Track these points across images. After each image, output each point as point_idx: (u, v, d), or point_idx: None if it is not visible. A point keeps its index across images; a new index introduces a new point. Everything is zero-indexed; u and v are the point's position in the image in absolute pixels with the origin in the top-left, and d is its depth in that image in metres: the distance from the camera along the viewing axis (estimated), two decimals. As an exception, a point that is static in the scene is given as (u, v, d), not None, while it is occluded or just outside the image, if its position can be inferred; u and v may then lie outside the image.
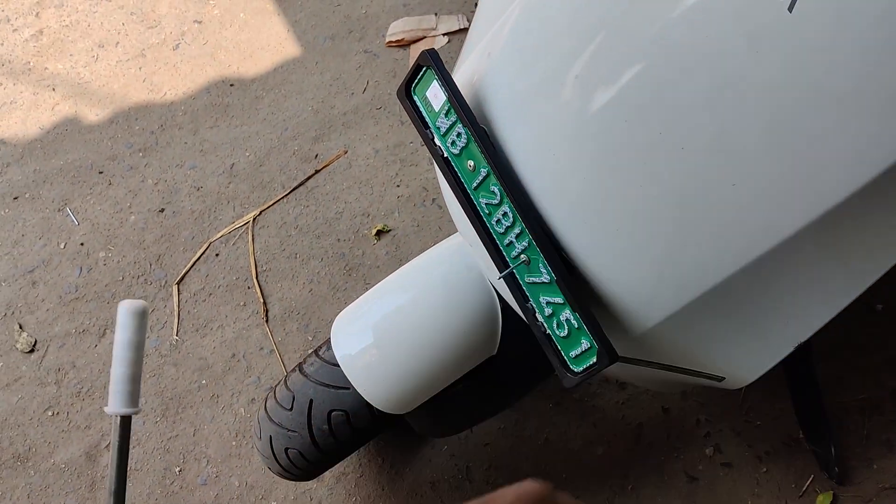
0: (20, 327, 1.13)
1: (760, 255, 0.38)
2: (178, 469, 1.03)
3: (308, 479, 0.84)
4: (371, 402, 0.65)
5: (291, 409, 0.69)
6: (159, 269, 1.14)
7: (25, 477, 1.04)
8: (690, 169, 0.37)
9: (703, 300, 0.42)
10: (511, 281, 0.51)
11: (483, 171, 0.49)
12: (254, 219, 1.15)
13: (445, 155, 0.51)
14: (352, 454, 0.94)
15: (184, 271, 1.13)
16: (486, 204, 0.51)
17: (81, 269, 1.16)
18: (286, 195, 1.15)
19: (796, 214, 0.36)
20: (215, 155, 1.21)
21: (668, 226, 0.41)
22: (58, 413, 1.08)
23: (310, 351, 0.87)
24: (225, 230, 1.15)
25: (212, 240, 1.15)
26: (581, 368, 0.48)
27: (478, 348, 0.62)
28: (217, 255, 1.14)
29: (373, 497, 0.97)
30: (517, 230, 0.48)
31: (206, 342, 1.09)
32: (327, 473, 1.00)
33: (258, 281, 1.11)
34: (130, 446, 1.04)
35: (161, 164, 1.22)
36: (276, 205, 1.16)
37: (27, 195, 1.23)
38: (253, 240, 1.14)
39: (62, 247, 1.18)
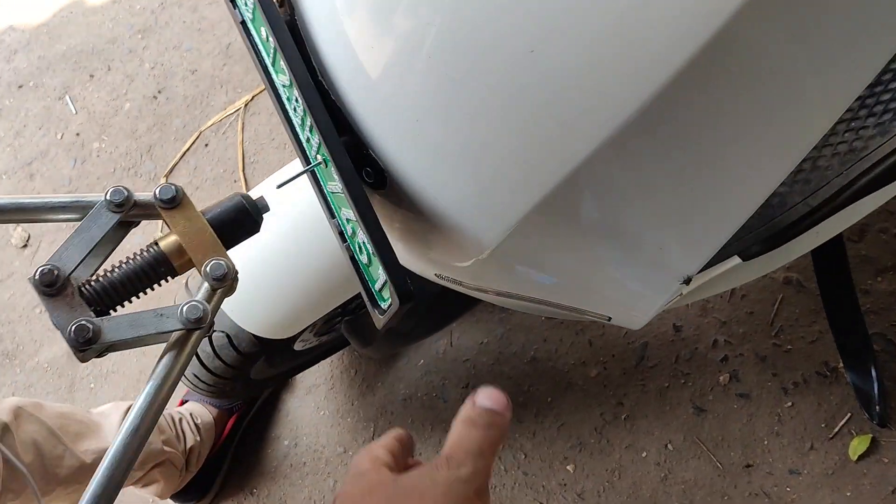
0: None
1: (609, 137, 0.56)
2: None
3: (229, 398, 1.39)
4: (241, 325, 1.05)
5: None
6: (149, 161, 1.83)
7: (12, 374, 1.78)
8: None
9: (554, 206, 0.59)
10: (318, 189, 0.69)
11: (272, 40, 0.64)
12: (245, 105, 1.78)
13: (242, 19, 0.70)
14: (293, 374, 1.50)
15: (172, 163, 1.80)
16: (282, 85, 0.68)
17: (76, 160, 1.89)
18: (282, 79, 1.77)
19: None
20: (212, 34, 1.86)
21: (490, 109, 0.59)
22: (44, 311, 1.81)
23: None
24: (216, 118, 1.80)
25: (202, 129, 1.80)
26: (386, 305, 0.62)
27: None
28: (206, 145, 1.79)
29: (342, 411, 1.52)
30: (310, 121, 0.63)
31: (188, 240, 1.74)
32: (298, 384, 1.57)
33: (244, 174, 1.73)
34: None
35: (159, 46, 1.91)
36: (273, 91, 1.78)
37: (31, 83, 2.01)
38: (243, 129, 1.76)
39: (59, 137, 1.93)
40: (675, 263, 0.65)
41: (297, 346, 1.25)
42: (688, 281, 0.65)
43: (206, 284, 0.57)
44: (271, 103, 0.77)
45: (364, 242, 0.63)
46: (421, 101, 0.63)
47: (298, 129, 0.73)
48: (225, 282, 0.57)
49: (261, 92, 1.78)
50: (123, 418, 1.30)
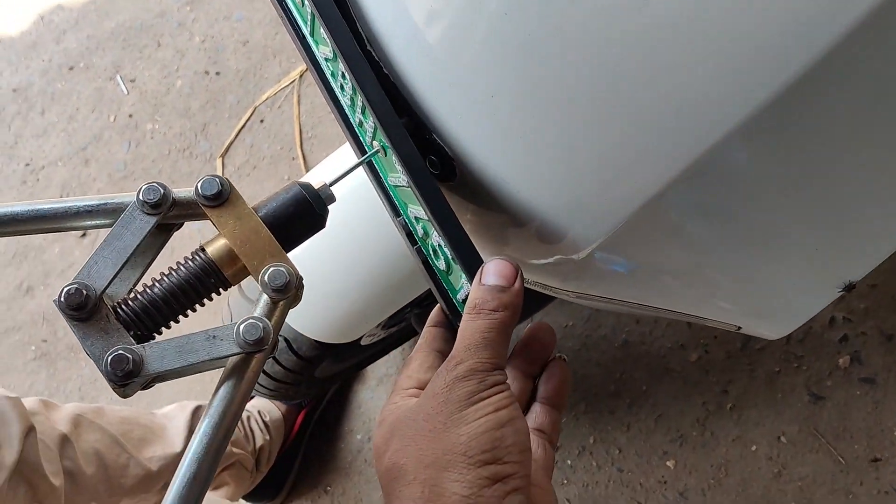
0: (74, 209, 1.83)
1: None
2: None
3: (296, 399, 1.30)
4: (299, 331, 0.96)
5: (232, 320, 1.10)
6: (204, 141, 1.73)
7: (77, 368, 1.73)
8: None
9: (676, 200, 0.47)
10: (376, 182, 0.60)
11: (308, 5, 0.55)
12: (300, 75, 1.66)
13: None
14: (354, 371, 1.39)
15: (228, 142, 1.70)
16: (324, 59, 0.59)
17: (130, 143, 1.81)
18: (338, 45, 1.64)
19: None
20: (262, 1, 1.75)
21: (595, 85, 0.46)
22: (107, 301, 1.75)
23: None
24: (271, 91, 1.69)
25: (257, 104, 1.69)
26: None
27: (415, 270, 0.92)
28: (262, 121, 1.68)
29: (416, 403, 1.41)
30: (361, 100, 0.53)
31: (248, 223, 1.65)
32: (369, 375, 1.47)
33: (302, 150, 1.62)
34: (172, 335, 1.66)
35: (208, 17, 1.81)
36: (329, 60, 1.66)
37: (81, 64, 1.93)
38: (299, 101, 1.65)
39: (112, 120, 1.85)
40: (835, 267, 0.51)
41: (365, 342, 1.14)
42: (850, 288, 0.51)
43: (264, 297, 0.47)
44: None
45: (440, 246, 0.53)
46: (497, 72, 0.49)
47: (348, 112, 0.62)
48: (287, 292, 0.47)
49: (316, 61, 1.66)
50: (190, 420, 1.23)
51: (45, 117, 1.91)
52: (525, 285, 0.66)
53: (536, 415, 0.54)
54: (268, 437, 1.36)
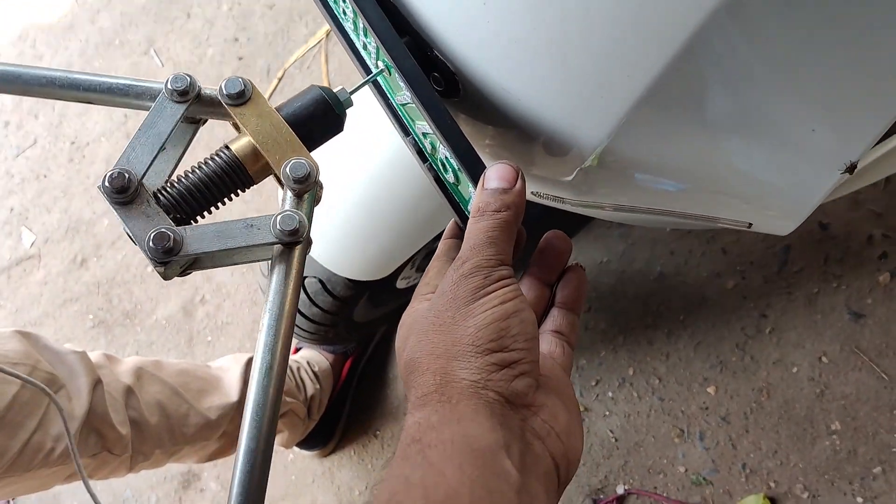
0: (120, 182, 1.88)
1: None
2: (265, 322, 1.65)
3: (339, 343, 1.30)
4: (329, 268, 0.96)
5: (268, 276, 1.10)
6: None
7: (133, 333, 1.78)
8: None
9: (667, 92, 0.47)
10: (385, 103, 0.59)
11: None
12: (327, 34, 1.67)
13: None
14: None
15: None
16: None
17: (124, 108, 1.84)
18: (361, 1, 1.64)
19: None
20: (286, -36, 1.76)
21: None
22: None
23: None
24: (299, 52, 1.70)
25: (286, 66, 1.71)
26: None
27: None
28: (292, 82, 1.70)
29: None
30: (362, 21, 0.54)
31: (286, 183, 1.67)
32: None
33: (334, 107, 1.64)
34: (222, 299, 1.69)
35: (234, -17, 1.82)
36: (354, 16, 1.67)
37: (117, 41, 1.96)
38: (326, 60, 1.66)
39: (150, 93, 1.89)
40: (833, 148, 0.50)
41: (400, 284, 1.16)
42: (851, 169, 0.49)
43: (289, 193, 0.48)
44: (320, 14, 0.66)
45: (447, 157, 0.54)
46: (487, -24, 0.49)
47: (353, 36, 0.62)
48: (308, 183, 0.48)
49: (341, 18, 1.67)
50: (244, 370, 1.26)
51: (86, 95, 1.95)
52: (543, 201, 0.67)
53: (554, 318, 0.55)
54: (318, 386, 1.38)
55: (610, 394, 1.26)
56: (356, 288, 1.00)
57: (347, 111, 0.55)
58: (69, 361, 1.00)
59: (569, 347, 0.54)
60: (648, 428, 1.23)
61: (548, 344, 0.53)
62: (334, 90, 0.53)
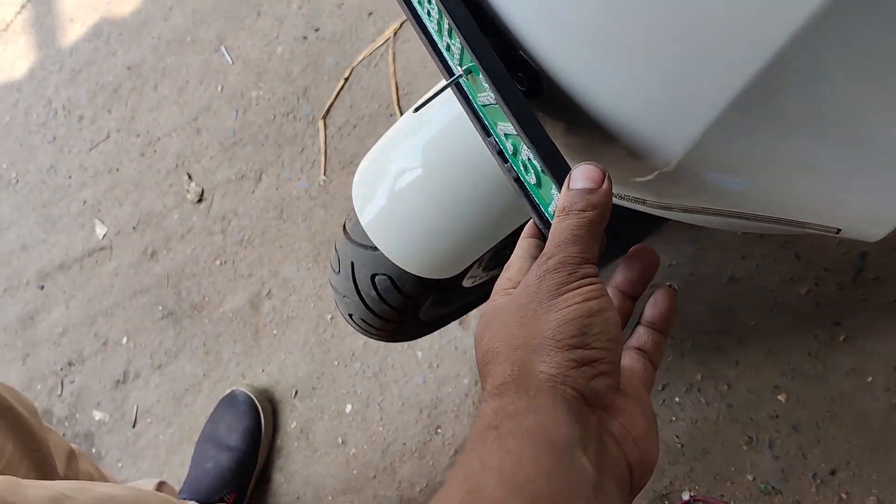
0: (189, 177, 1.91)
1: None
2: (329, 316, 1.66)
3: (402, 340, 1.31)
4: (400, 266, 0.95)
5: (339, 272, 1.06)
6: (306, 104, 1.77)
7: (202, 326, 1.81)
8: None
9: (759, 99, 0.45)
10: (466, 104, 0.59)
11: None
12: (395, 33, 1.67)
13: None
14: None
15: (329, 103, 1.73)
16: None
17: (237, 111, 1.87)
18: None
19: None
20: (355, -37, 1.77)
21: None
22: (225, 262, 1.82)
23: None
24: (367, 51, 1.71)
25: (354, 64, 1.72)
26: None
27: (515, 201, 0.90)
28: (360, 80, 1.70)
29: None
30: (447, 23, 0.54)
31: (351, 181, 1.67)
32: (472, 320, 1.49)
33: (400, 107, 1.64)
34: (288, 294, 1.71)
35: (304, -17, 1.84)
36: (421, 15, 1.66)
37: (188, 39, 1.99)
38: (394, 59, 1.66)
39: (220, 90, 1.91)
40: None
41: (466, 283, 1.15)
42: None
43: None
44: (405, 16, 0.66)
45: (530, 159, 0.53)
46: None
47: (436, 37, 0.62)
48: None
49: (409, 17, 1.67)
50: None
51: (158, 91, 1.99)
52: (622, 203, 0.66)
53: (639, 335, 0.54)
54: None
55: (677, 399, 1.24)
56: (425, 286, 1.00)
57: (423, 109, 0.56)
58: None
59: (651, 366, 0.53)
60: (716, 434, 1.20)
61: (630, 359, 0.52)
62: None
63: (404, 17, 1.66)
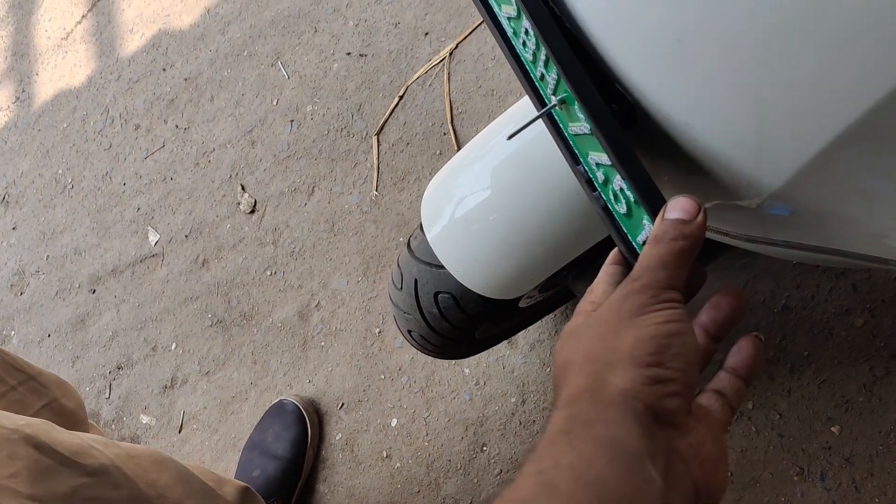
0: (242, 188, 1.94)
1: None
2: (377, 330, 1.67)
3: (454, 358, 1.31)
4: (466, 285, 0.97)
5: (401, 288, 1.08)
6: (360, 120, 1.79)
7: (250, 335, 1.83)
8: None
9: (867, 131, 0.45)
10: (556, 133, 0.60)
11: None
12: (450, 53, 1.69)
13: None
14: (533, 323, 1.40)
15: (383, 120, 1.75)
16: (507, 17, 0.61)
17: (292, 125, 1.90)
18: (483, 22, 1.66)
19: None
20: (413, -17, 1.79)
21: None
22: (275, 273, 1.85)
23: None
24: (422, 70, 1.73)
25: (409, 83, 1.74)
26: None
27: (587, 221, 0.87)
28: (414, 99, 1.72)
29: (569, 368, 1.42)
30: (544, 54, 0.55)
31: (403, 197, 1.69)
32: (520, 340, 1.49)
33: (453, 125, 1.65)
34: (336, 306, 1.73)
35: (361, 1, 1.86)
36: (472, 34, 1.68)
37: (245, 52, 2.03)
38: (448, 79, 1.68)
39: (275, 103, 1.94)
40: None
41: (522, 304, 1.16)
42: None
43: None
44: (483, 47, 0.67)
45: (622, 189, 0.54)
46: (683, 15, 0.49)
47: (530, 68, 0.63)
48: None
49: (465, 39, 1.68)
50: None
51: (214, 103, 2.03)
52: (707, 234, 0.66)
53: (720, 379, 0.54)
54: None
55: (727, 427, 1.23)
56: (487, 306, 1.01)
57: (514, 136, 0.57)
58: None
59: (728, 409, 0.53)
60: (766, 464, 1.20)
61: (707, 399, 0.52)
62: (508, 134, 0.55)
63: (460, 38, 1.68)
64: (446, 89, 1.69)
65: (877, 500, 1.12)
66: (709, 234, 0.65)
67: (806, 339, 1.23)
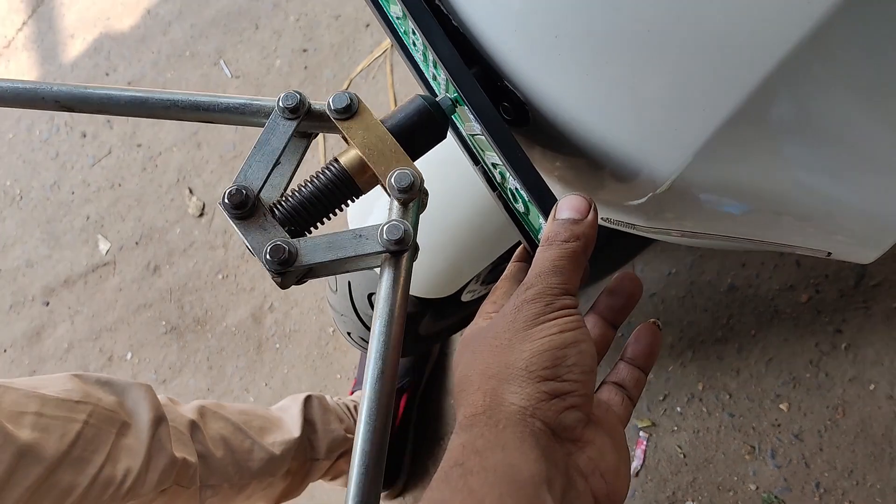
0: (190, 191, 1.91)
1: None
2: (332, 329, 1.66)
3: (403, 357, 1.28)
4: None
5: (336, 290, 1.07)
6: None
7: (204, 340, 1.81)
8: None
9: (750, 120, 0.45)
10: (455, 134, 0.60)
11: None
12: (392, 45, 1.67)
13: None
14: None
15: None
16: (395, 18, 0.60)
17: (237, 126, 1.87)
18: (426, 11, 1.64)
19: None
20: (351, -24, 1.76)
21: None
22: (227, 276, 1.82)
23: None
24: (364, 62, 1.70)
25: (352, 76, 1.71)
26: None
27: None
28: (358, 91, 1.70)
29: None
30: (431, 56, 0.54)
31: (351, 193, 1.68)
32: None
33: (399, 117, 1.64)
34: (289, 307, 1.71)
35: (301, -5, 1.84)
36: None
37: (187, 53, 2.00)
38: (392, 70, 1.66)
39: (219, 103, 1.92)
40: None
41: (465, 297, 1.15)
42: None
43: (395, 203, 0.51)
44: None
45: (517, 189, 0.54)
46: (559, 11, 0.48)
47: (422, 67, 0.61)
48: (412, 192, 0.50)
49: (405, 29, 1.67)
50: (303, 409, 1.26)
51: (159, 106, 2.00)
52: (611, 226, 0.65)
53: (619, 371, 0.54)
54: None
55: (678, 409, 1.23)
56: (423, 304, 0.99)
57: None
58: (133, 397, 1.01)
59: (629, 401, 0.52)
60: (718, 444, 1.20)
61: (608, 393, 0.52)
62: (437, 98, 0.54)
63: (401, 29, 1.66)
64: (390, 81, 1.67)
65: (826, 475, 1.12)
66: (612, 226, 0.64)
67: (752, 318, 1.22)
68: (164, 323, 1.83)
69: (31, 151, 2.17)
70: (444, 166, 0.88)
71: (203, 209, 1.87)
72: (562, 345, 0.44)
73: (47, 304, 2.02)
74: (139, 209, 1.95)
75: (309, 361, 1.65)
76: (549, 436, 0.43)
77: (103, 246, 1.98)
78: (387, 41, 1.68)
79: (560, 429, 0.44)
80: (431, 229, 0.90)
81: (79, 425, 0.91)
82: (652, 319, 0.54)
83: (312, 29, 1.82)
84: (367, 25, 1.74)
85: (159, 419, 1.01)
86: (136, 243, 1.92)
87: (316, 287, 1.68)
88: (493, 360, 0.45)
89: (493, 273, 1.16)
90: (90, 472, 0.91)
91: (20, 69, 2.28)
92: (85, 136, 2.09)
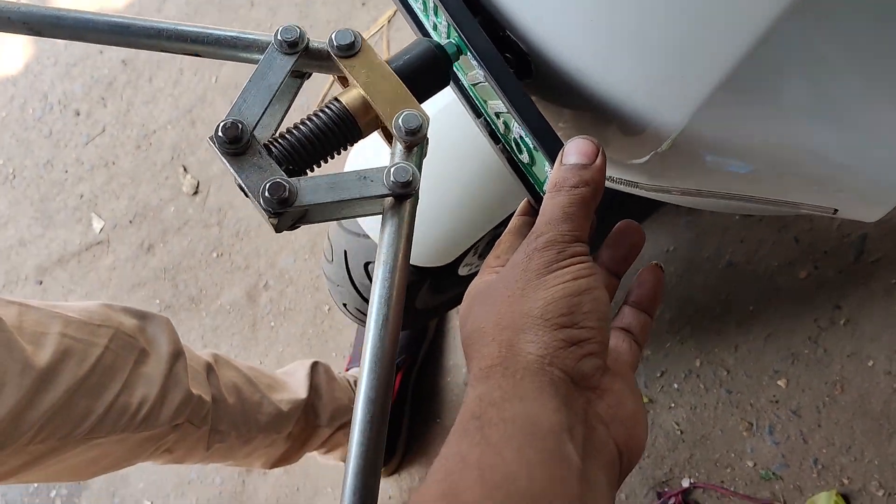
0: (185, 170, 1.89)
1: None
2: (327, 307, 1.64)
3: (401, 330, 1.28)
4: None
5: (332, 261, 1.06)
6: (301, 95, 1.76)
7: (198, 318, 1.80)
8: None
9: (752, 76, 0.44)
10: (456, 86, 0.58)
11: None
12: (388, 20, 1.66)
13: None
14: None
15: (324, 92, 1.72)
16: None
17: (232, 102, 1.85)
18: (423, -13, 1.63)
19: None
20: (348, -49, 1.75)
21: None
22: (221, 254, 1.81)
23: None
24: (361, 39, 1.69)
25: (348, 52, 1.70)
26: None
27: (510, 183, 0.92)
28: (354, 69, 1.69)
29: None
30: (432, 2, 0.53)
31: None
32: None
33: (396, 94, 1.62)
34: (284, 285, 1.70)
35: (298, -29, 1.82)
36: None
37: (182, 30, 1.98)
38: (388, 47, 1.65)
39: (214, 81, 1.89)
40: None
41: (462, 271, 1.14)
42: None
43: (400, 146, 0.48)
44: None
45: (522, 137, 0.52)
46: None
47: (422, 17, 0.60)
48: (419, 135, 0.48)
49: (403, 4, 1.65)
50: (310, 373, 1.26)
51: (153, 84, 1.98)
52: (616, 186, 0.64)
53: (624, 315, 0.52)
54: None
55: (676, 385, 1.22)
56: (419, 274, 0.98)
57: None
58: (154, 326, 1.01)
59: (636, 346, 0.51)
60: (716, 420, 1.19)
61: (615, 339, 0.51)
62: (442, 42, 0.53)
63: (398, 5, 1.64)
64: (386, 57, 1.65)
65: (824, 451, 1.11)
66: (618, 187, 0.63)
67: (751, 294, 1.22)
68: (158, 301, 1.82)
69: (24, 130, 2.15)
70: (442, 131, 0.87)
71: (197, 187, 1.86)
72: (576, 291, 0.43)
73: (41, 283, 2.00)
74: (133, 187, 1.93)
75: (304, 340, 1.64)
76: (569, 384, 0.42)
77: (97, 224, 1.96)
78: (384, 17, 1.67)
79: (579, 377, 0.43)
80: (429, 195, 0.89)
81: (99, 350, 0.91)
82: (654, 262, 0.53)
83: (308, 5, 1.80)
84: (364, 3, 1.72)
85: (178, 353, 1.01)
86: (130, 222, 1.91)
87: (311, 265, 1.67)
88: (507, 311, 0.44)
89: (489, 247, 1.15)
90: (107, 398, 0.90)
91: (13, 48, 2.26)
92: (79, 114, 2.07)
